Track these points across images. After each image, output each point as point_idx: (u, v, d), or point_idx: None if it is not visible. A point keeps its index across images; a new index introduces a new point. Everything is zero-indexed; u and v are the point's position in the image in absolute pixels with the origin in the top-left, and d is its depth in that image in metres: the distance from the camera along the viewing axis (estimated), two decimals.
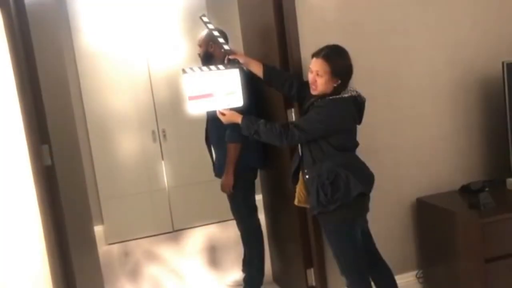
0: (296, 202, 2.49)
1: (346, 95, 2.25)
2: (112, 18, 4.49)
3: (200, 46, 3.11)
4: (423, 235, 2.86)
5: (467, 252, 2.50)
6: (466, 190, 2.74)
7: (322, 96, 2.24)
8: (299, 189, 2.44)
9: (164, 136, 4.71)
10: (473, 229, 2.43)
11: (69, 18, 4.37)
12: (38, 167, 2.24)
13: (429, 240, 2.81)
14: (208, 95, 2.36)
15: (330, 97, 2.23)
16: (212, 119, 3.06)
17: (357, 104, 2.28)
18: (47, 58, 2.65)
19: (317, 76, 2.21)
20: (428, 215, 2.78)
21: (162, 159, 4.75)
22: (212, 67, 2.39)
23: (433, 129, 2.88)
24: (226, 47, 2.55)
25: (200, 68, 2.38)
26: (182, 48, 4.67)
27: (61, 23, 3.94)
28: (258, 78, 2.57)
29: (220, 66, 2.40)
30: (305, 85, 2.44)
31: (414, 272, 2.94)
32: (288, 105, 2.69)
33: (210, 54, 3.06)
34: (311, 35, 2.61)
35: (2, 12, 2.11)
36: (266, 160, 3.14)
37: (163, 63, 4.63)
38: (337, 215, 2.26)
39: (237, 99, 2.39)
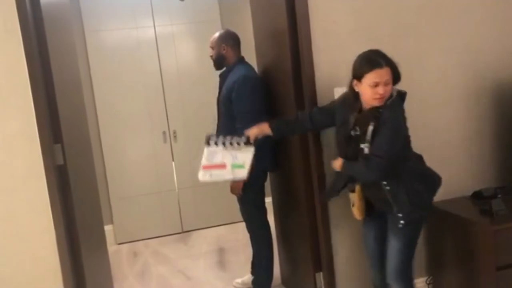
0: (358, 216, 2.37)
1: (394, 93, 2.18)
2: (124, 18, 4.52)
3: (212, 48, 3.12)
4: (434, 241, 2.83)
5: (478, 259, 2.47)
6: (478, 197, 2.72)
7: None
8: (359, 199, 2.33)
9: (175, 137, 4.73)
10: (485, 236, 2.41)
11: (82, 18, 4.41)
12: (51, 166, 2.26)
13: (440, 246, 2.79)
14: (221, 166, 2.48)
15: (388, 103, 2.14)
16: (223, 120, 3.07)
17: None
18: (61, 58, 2.67)
19: (387, 85, 2.10)
20: (439, 221, 2.75)
21: (173, 160, 4.76)
22: (234, 143, 2.46)
23: (445, 135, 2.86)
24: (242, 141, 2.50)
25: (223, 143, 2.48)
26: (194, 50, 4.69)
27: (74, 23, 3.97)
28: (269, 82, 2.55)
29: (241, 143, 2.47)
30: (320, 112, 2.41)
31: (424, 278, 2.92)
32: (300, 107, 2.68)
33: (223, 56, 3.08)
34: (324, 38, 2.60)
35: (18, 11, 2.13)
36: (276, 163, 3.13)
37: (175, 64, 4.65)
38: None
39: (243, 174, 2.49)
